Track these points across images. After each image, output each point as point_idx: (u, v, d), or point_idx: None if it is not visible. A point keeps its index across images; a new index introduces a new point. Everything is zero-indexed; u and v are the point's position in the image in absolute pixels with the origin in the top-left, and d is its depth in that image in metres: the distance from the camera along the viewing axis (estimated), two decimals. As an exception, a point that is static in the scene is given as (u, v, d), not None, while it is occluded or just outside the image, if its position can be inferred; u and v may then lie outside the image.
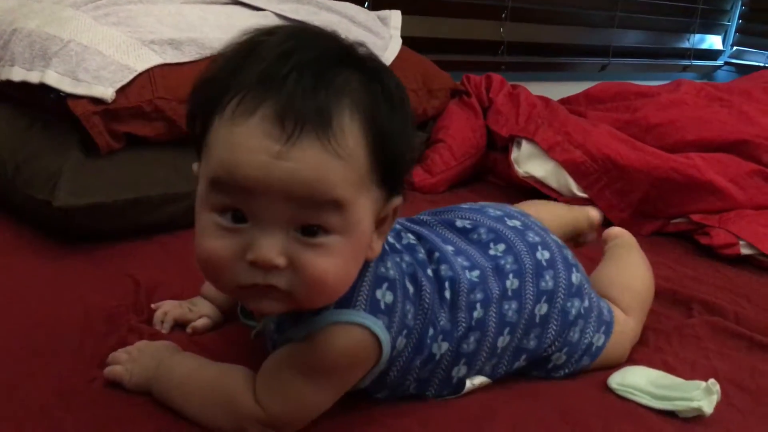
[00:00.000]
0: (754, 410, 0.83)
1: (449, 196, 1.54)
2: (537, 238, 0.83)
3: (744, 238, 1.32)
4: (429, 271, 0.75)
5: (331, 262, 0.59)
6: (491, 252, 0.80)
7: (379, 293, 0.67)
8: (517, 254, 0.80)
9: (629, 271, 0.99)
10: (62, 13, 1.17)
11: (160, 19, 1.24)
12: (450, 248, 0.79)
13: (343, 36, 0.63)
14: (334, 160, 0.56)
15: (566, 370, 0.84)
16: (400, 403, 0.76)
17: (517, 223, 0.85)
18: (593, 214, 1.11)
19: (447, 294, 0.74)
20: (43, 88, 1.07)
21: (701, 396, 0.78)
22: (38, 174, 1.05)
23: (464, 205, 0.90)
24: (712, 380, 0.80)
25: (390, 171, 0.62)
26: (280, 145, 0.55)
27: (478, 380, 0.79)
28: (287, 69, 0.56)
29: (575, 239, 1.09)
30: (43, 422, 0.66)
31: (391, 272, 0.69)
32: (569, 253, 0.86)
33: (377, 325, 0.66)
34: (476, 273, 0.77)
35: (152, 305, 0.88)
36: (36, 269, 0.97)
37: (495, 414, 0.75)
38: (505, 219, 0.85)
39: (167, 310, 0.86)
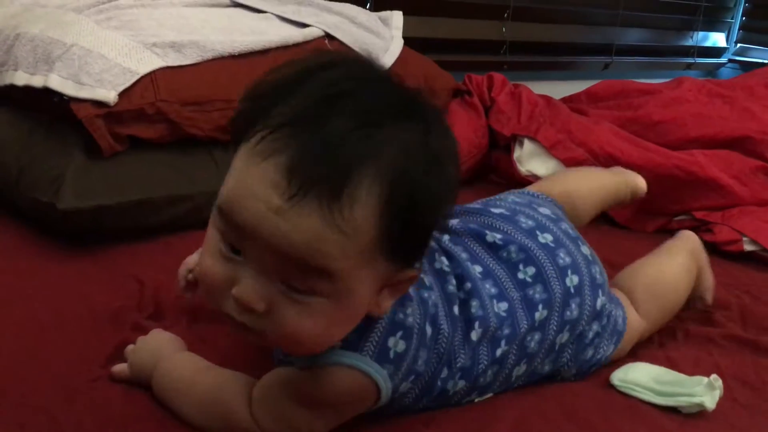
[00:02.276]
0: (758, 405, 0.83)
1: (452, 196, 1.54)
2: (568, 259, 0.80)
3: (747, 235, 1.32)
4: (455, 309, 0.72)
5: (310, 323, 0.57)
6: (520, 276, 0.77)
7: (391, 341, 0.65)
8: (546, 281, 0.77)
9: (666, 279, 0.96)
10: (65, 18, 1.18)
11: (162, 23, 1.24)
12: (479, 269, 0.76)
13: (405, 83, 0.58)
14: (334, 234, 0.52)
15: (572, 380, 0.84)
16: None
17: (549, 238, 0.81)
18: (640, 182, 1.04)
19: (473, 335, 0.72)
20: (47, 92, 1.08)
21: (703, 391, 0.78)
22: (42, 177, 1.06)
23: (495, 210, 0.85)
24: (714, 376, 0.80)
25: (407, 243, 0.58)
26: (282, 202, 0.52)
27: (486, 396, 0.79)
28: (324, 118, 0.52)
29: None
30: (45, 422, 0.66)
31: (410, 319, 0.67)
32: (597, 270, 0.83)
33: (380, 375, 0.65)
34: (504, 306, 0.75)
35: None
36: (40, 270, 0.97)
37: (498, 412, 0.76)
38: (537, 233, 0.81)
39: (191, 266, 0.84)
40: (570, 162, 1.47)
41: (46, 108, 1.12)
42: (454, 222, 0.82)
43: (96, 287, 0.94)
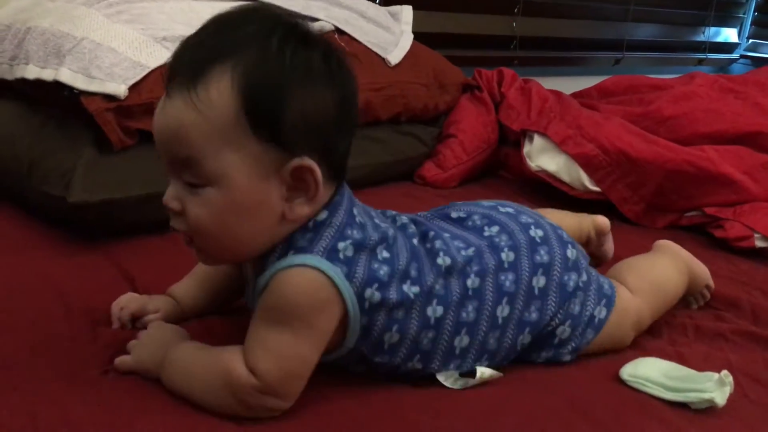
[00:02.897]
0: (768, 402, 0.83)
1: (461, 191, 1.54)
2: (530, 220, 0.87)
3: (759, 231, 1.31)
4: (415, 241, 0.77)
5: (205, 212, 0.66)
6: (486, 233, 0.83)
7: (341, 245, 0.69)
8: (510, 232, 0.83)
9: (654, 265, 0.99)
10: (75, 12, 1.18)
11: (172, 16, 1.25)
12: (447, 235, 0.81)
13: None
14: (193, 113, 0.63)
15: (572, 344, 0.85)
16: (411, 394, 0.76)
17: (510, 209, 0.88)
18: (600, 221, 1.08)
19: (440, 260, 0.76)
20: (57, 86, 1.08)
21: (714, 387, 0.78)
22: (53, 170, 1.07)
23: (458, 203, 0.92)
24: (725, 371, 0.79)
25: (277, 126, 0.64)
26: (165, 95, 0.65)
27: (488, 372, 0.79)
28: (199, 31, 0.66)
29: (585, 248, 1.04)
30: (56, 413, 0.66)
31: (358, 235, 0.70)
32: (564, 233, 0.88)
33: (333, 271, 0.67)
34: (471, 250, 0.80)
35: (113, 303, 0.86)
36: (51, 264, 0.98)
37: (506, 406, 0.76)
38: (498, 207, 0.89)
39: (124, 305, 0.84)
40: (580, 157, 1.46)
41: (56, 102, 1.12)
42: (422, 213, 0.89)
43: (105, 280, 0.94)
